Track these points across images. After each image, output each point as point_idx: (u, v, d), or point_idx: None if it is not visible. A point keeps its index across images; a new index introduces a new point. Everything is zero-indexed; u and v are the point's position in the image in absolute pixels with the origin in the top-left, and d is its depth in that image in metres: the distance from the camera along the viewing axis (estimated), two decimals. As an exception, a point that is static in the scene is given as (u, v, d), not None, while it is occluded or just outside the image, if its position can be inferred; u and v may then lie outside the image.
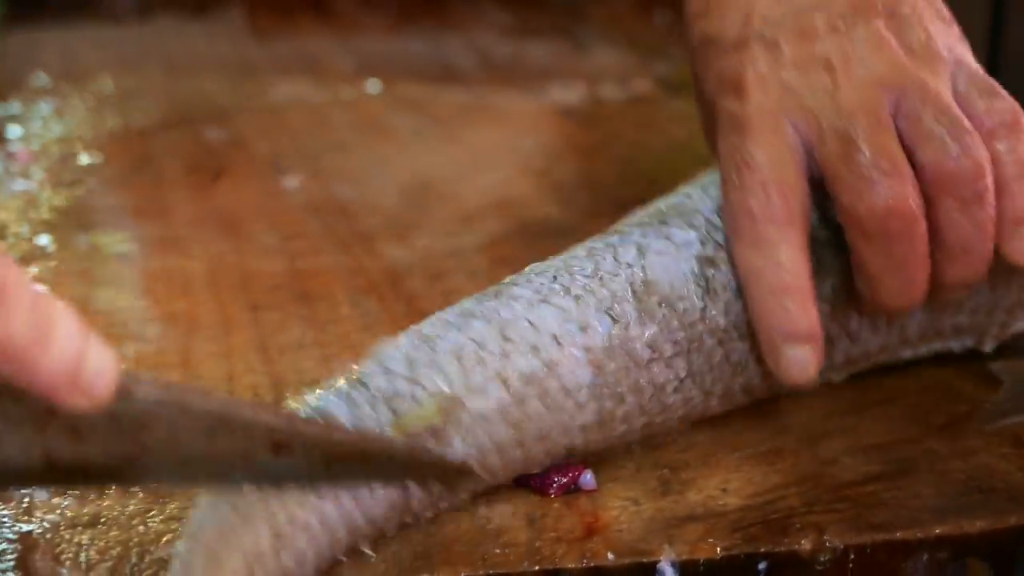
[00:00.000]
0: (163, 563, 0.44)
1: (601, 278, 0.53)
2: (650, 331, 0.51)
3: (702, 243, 0.54)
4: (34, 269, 0.67)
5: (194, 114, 0.93)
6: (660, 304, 0.52)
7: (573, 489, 0.49)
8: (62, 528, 0.46)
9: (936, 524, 0.48)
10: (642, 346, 0.51)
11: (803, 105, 0.53)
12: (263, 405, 0.46)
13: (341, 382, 0.49)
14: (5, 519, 0.47)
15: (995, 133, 0.52)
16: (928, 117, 0.52)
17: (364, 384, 0.48)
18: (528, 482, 0.49)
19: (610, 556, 0.45)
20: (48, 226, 0.73)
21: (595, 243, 0.56)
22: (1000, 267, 0.55)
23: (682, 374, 0.52)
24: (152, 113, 0.94)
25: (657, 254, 0.53)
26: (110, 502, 0.48)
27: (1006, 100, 0.54)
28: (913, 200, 0.50)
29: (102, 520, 0.47)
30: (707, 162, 0.70)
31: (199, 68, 1.03)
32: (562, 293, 0.52)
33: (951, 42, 0.56)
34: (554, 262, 0.55)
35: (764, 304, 0.50)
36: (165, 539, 0.46)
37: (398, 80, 0.98)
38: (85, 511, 0.47)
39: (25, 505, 0.48)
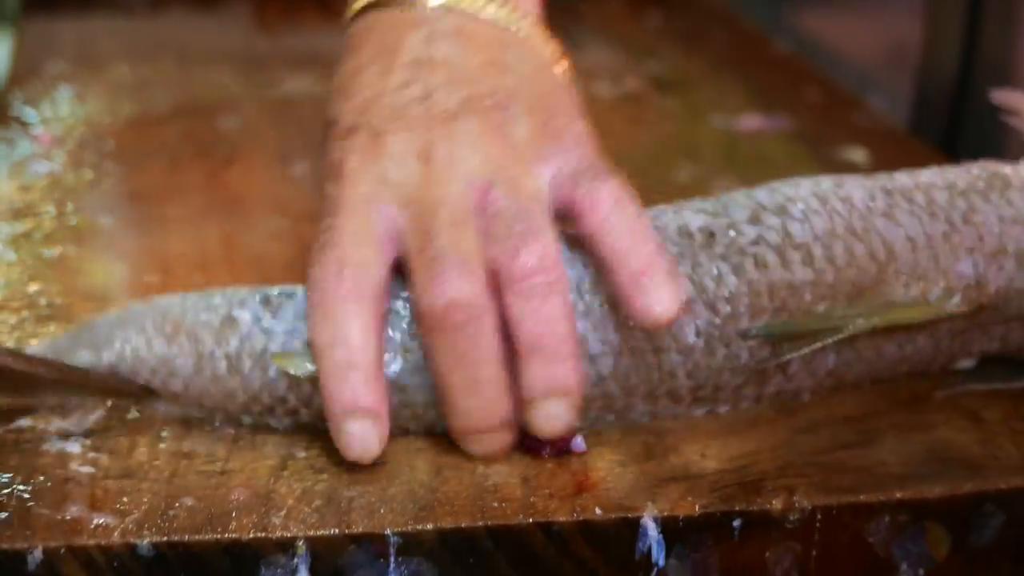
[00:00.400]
0: (192, 511, 0.47)
1: None
2: (581, 327, 0.53)
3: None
4: (59, 247, 0.70)
5: (206, 103, 0.96)
6: (602, 304, 0.53)
7: (565, 452, 0.52)
8: (98, 478, 0.49)
9: (897, 489, 0.51)
10: None
11: (394, 195, 0.52)
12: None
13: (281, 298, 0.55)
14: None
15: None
16: (508, 215, 0.51)
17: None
18: (523, 444, 0.52)
19: (598, 511, 0.48)
20: (72, 205, 0.76)
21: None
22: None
23: (604, 372, 0.53)
24: (166, 101, 0.95)
25: None
26: (142, 458, 0.51)
27: (607, 187, 0.53)
28: (478, 296, 0.50)
29: (135, 473, 0.49)
30: (695, 154, 0.72)
31: (210, 59, 1.05)
32: None
33: (560, 139, 0.55)
34: None
35: (329, 377, 0.50)
36: (200, 491, 0.48)
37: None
38: (119, 464, 0.50)
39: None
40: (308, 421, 0.53)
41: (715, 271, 0.54)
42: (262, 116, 0.95)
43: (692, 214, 0.57)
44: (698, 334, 0.54)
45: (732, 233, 0.56)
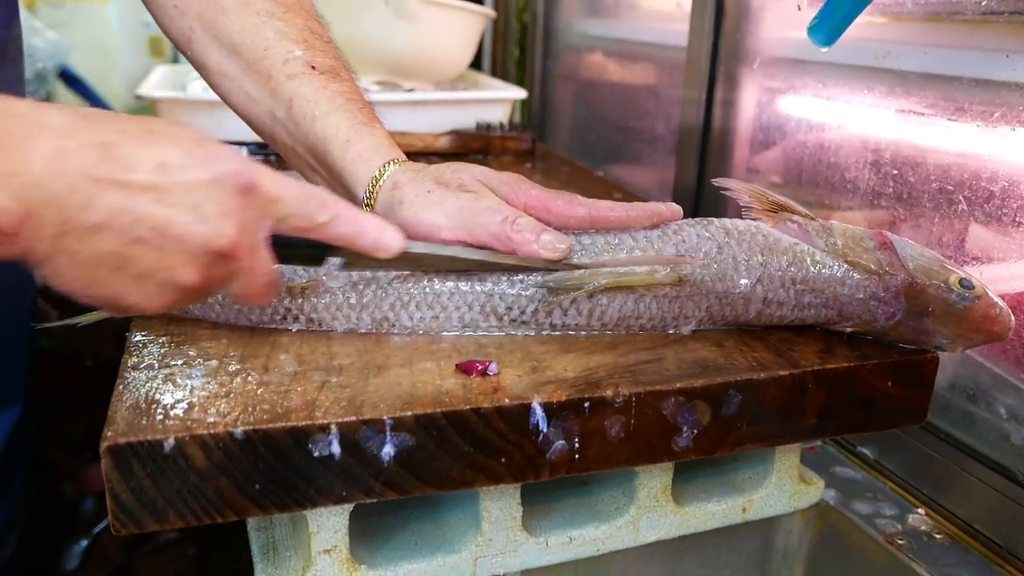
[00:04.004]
0: (267, 412, 0.44)
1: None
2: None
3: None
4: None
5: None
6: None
7: (486, 372, 0.49)
8: (210, 396, 0.46)
9: (677, 382, 0.49)
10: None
11: None
12: None
13: None
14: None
15: None
16: None
17: None
18: (461, 368, 0.49)
19: (507, 400, 0.46)
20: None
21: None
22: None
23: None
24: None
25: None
26: (237, 387, 0.47)
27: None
28: None
29: (232, 394, 0.46)
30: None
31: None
32: None
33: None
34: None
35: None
36: (272, 401, 0.45)
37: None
38: (223, 390, 0.47)
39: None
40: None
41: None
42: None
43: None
44: (503, 272, 0.53)
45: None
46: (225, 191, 0.39)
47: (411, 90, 1.21)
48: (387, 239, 0.45)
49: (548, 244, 0.51)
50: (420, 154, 1.15)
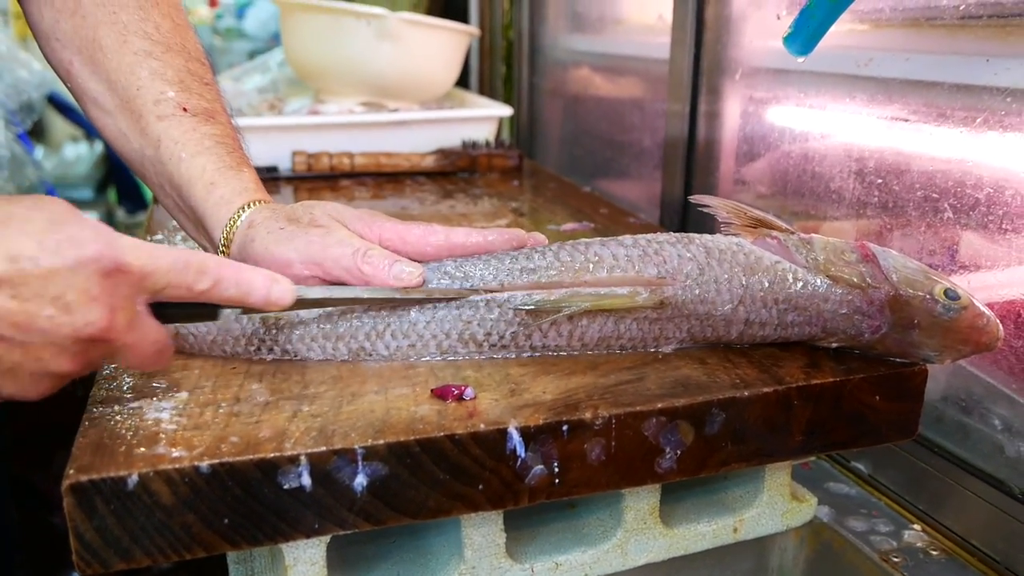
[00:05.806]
0: (235, 444, 0.43)
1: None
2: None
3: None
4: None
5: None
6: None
7: (461, 397, 0.48)
8: (178, 430, 0.44)
9: (658, 402, 0.48)
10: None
11: None
12: None
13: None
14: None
15: None
16: None
17: None
18: (437, 393, 0.48)
19: (482, 426, 0.45)
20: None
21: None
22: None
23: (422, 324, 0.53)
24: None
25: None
26: (208, 418, 0.46)
27: None
28: None
29: (202, 427, 0.45)
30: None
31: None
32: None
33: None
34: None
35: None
36: (242, 432, 0.44)
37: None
38: (192, 422, 0.45)
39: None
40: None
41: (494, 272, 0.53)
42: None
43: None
44: (480, 297, 0.52)
45: (525, 257, 0.54)
46: (88, 276, 0.38)
47: (395, 110, 1.20)
48: (276, 293, 0.46)
49: (399, 273, 0.51)
50: (406, 174, 1.14)
